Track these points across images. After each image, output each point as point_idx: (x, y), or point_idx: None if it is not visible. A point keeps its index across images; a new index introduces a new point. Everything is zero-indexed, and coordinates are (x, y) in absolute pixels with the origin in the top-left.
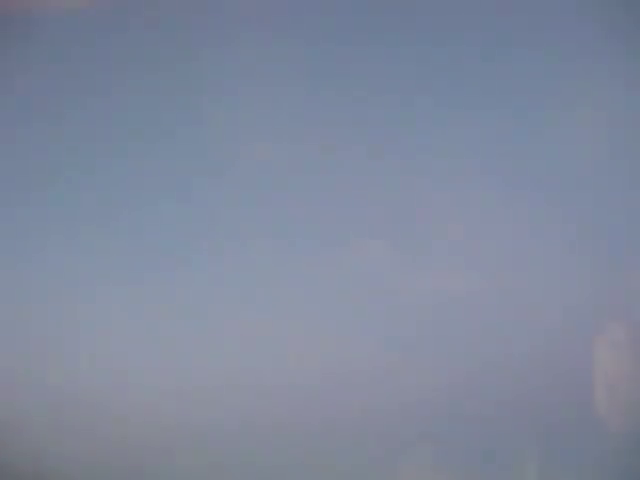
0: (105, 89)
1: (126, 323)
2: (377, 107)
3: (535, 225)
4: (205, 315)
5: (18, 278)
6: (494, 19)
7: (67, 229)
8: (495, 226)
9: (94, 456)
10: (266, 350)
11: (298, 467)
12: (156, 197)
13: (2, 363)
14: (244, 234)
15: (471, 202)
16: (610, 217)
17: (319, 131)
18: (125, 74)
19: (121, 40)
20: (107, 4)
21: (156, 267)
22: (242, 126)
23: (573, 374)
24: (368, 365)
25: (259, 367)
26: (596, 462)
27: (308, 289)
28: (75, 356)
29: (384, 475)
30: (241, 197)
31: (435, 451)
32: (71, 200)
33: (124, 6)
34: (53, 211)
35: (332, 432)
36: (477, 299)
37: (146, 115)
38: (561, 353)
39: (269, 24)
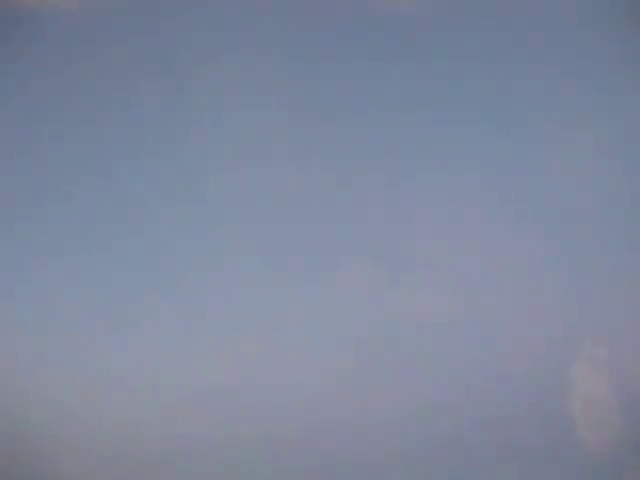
0: (106, 93)
1: (126, 337)
2: (376, 132)
3: (520, 246)
4: (196, 331)
5: (19, 281)
6: (493, 26)
7: (68, 236)
8: (481, 247)
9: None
10: (256, 363)
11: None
12: (154, 211)
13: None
14: (237, 252)
15: (459, 223)
16: (594, 238)
17: (313, 150)
18: (125, 82)
19: (120, 44)
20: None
21: (156, 280)
22: (235, 146)
23: (555, 392)
24: (354, 381)
25: (252, 379)
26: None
27: (297, 307)
28: (75, 363)
29: None
30: (236, 217)
31: (416, 466)
32: (72, 207)
33: (122, 8)
34: (51, 219)
35: (317, 445)
36: (462, 318)
37: (143, 127)
38: (543, 372)
39: (271, 36)
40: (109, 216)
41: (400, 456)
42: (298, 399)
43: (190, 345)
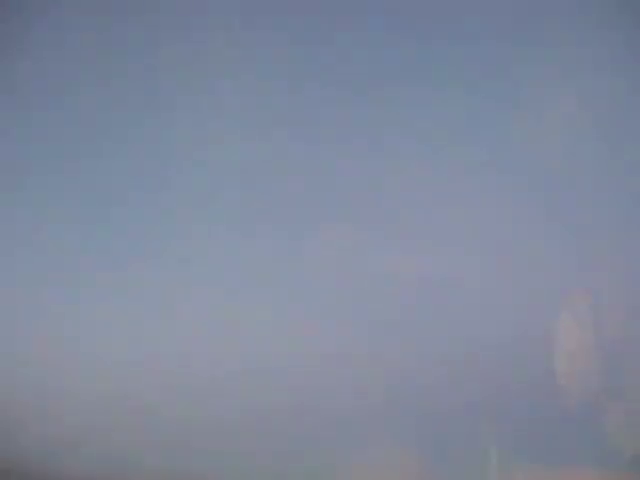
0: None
1: (121, 312)
2: (359, 97)
3: (505, 204)
4: (183, 301)
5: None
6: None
7: (63, 219)
8: (466, 205)
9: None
10: (245, 336)
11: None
12: (145, 187)
13: None
14: (224, 222)
15: (451, 185)
16: (578, 194)
17: (300, 114)
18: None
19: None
20: None
21: (147, 258)
22: (221, 114)
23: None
24: (349, 350)
25: (240, 345)
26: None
27: (291, 273)
28: (71, 346)
29: (368, 459)
30: (222, 185)
31: (414, 433)
32: (66, 193)
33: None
34: (47, 202)
35: (313, 416)
36: (447, 277)
37: (137, 105)
38: (528, 326)
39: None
40: (99, 185)
41: (393, 413)
42: (285, 364)
43: (175, 309)
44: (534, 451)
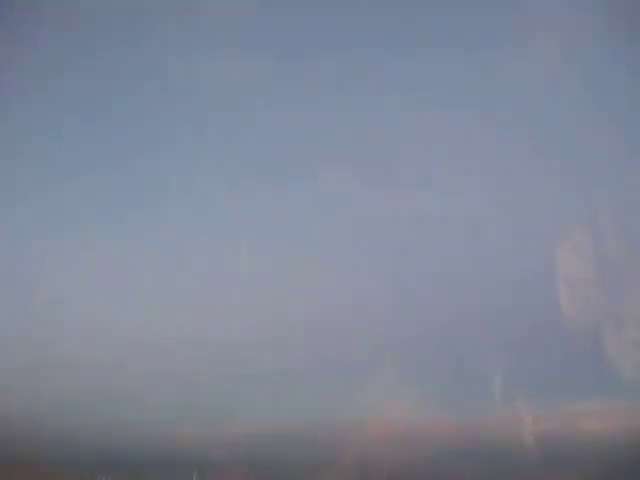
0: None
1: (129, 262)
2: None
3: (506, 140)
4: (188, 236)
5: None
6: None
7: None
8: (473, 145)
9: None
10: (247, 268)
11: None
12: (148, 149)
13: None
14: (226, 172)
15: (451, 124)
16: (578, 132)
17: (303, 61)
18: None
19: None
20: None
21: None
22: (226, 66)
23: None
24: (356, 290)
25: (244, 283)
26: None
27: (286, 212)
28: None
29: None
30: (224, 138)
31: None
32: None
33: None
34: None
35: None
36: (457, 219)
37: (133, 81)
38: (531, 257)
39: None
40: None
41: (399, 348)
42: (289, 303)
43: (182, 249)
44: (538, 382)
